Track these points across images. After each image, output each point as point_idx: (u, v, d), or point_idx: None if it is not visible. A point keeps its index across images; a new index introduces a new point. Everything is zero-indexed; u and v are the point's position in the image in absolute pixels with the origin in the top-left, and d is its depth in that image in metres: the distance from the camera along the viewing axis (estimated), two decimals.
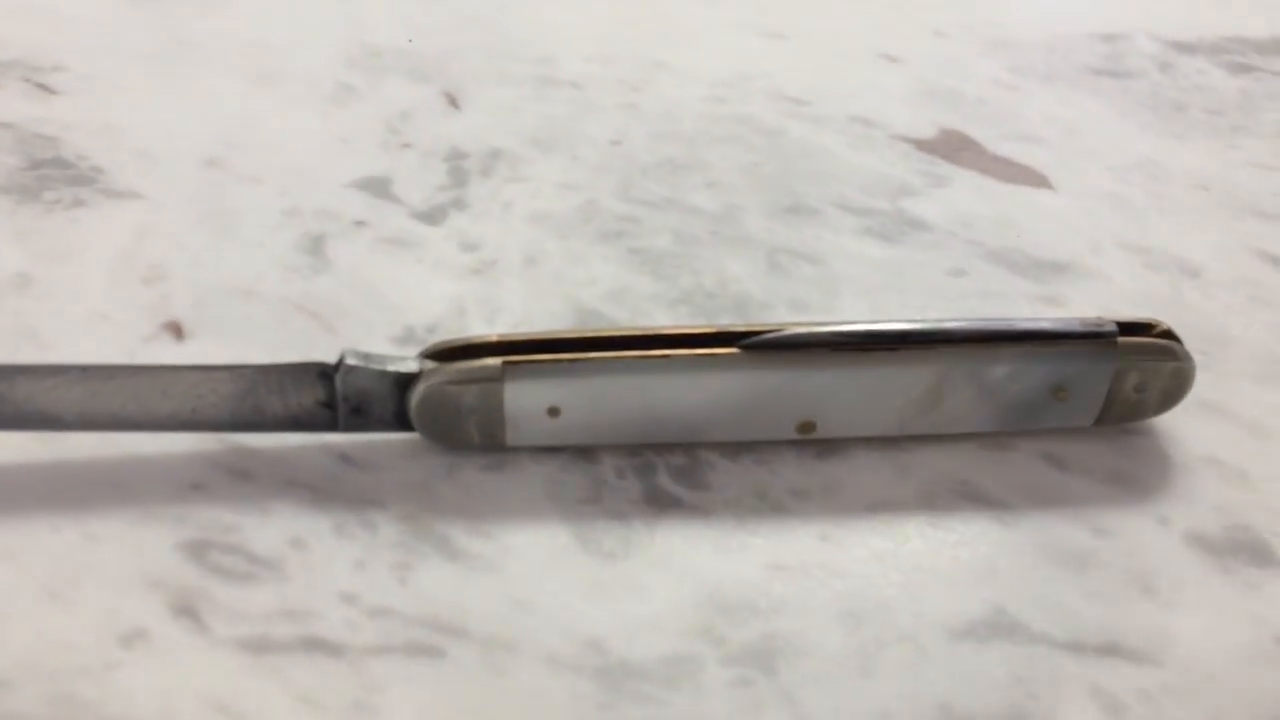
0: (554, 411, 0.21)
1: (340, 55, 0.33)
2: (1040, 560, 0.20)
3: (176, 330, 0.24)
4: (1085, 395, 0.21)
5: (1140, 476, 0.22)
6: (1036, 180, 0.30)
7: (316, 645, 0.18)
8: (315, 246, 0.26)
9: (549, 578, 0.20)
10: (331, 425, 0.21)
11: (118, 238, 0.26)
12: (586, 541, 0.20)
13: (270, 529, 0.20)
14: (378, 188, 0.28)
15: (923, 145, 0.31)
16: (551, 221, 0.27)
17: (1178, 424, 0.23)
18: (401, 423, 0.21)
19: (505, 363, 0.20)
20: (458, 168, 0.29)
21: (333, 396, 0.21)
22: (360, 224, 0.27)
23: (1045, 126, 0.32)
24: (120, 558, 0.20)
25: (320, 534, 0.20)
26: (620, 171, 0.29)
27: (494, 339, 0.21)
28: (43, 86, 0.31)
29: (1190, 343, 0.22)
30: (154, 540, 0.20)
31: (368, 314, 0.25)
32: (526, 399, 0.20)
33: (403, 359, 0.21)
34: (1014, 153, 0.31)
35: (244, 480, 0.21)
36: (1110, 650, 0.19)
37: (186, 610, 0.19)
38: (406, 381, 0.21)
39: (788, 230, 0.27)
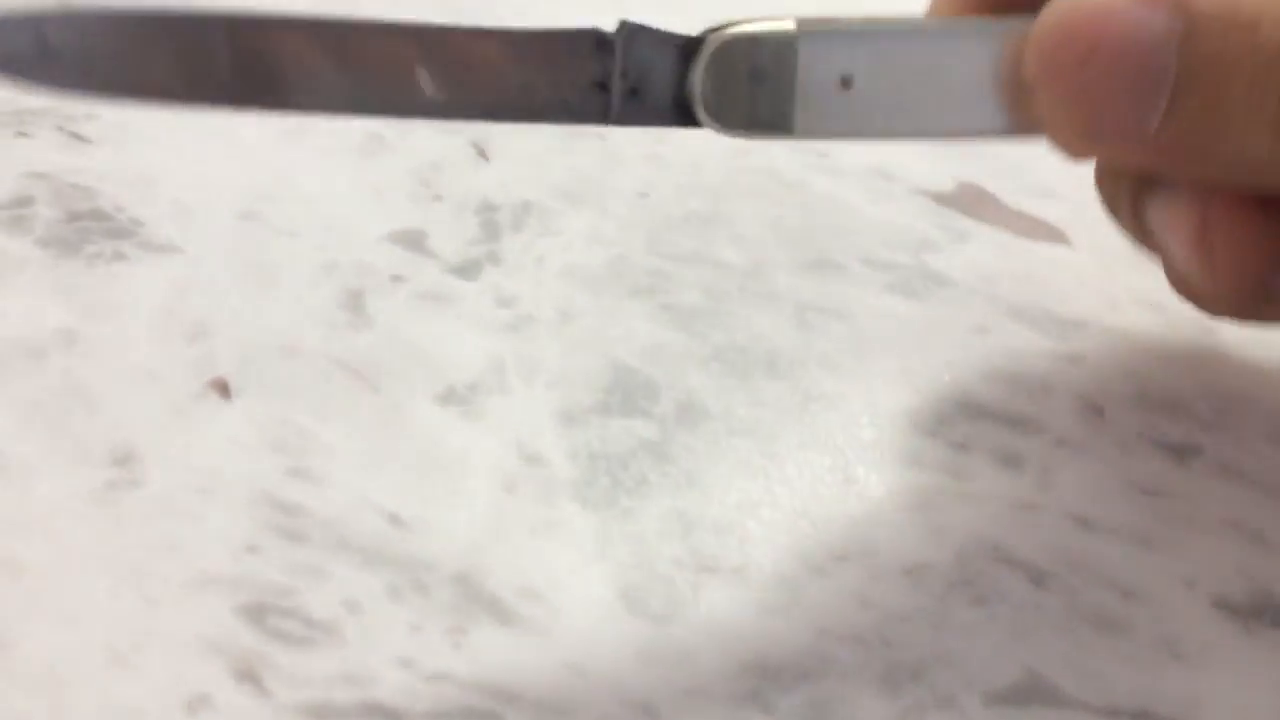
0: (846, 82, 0.19)
1: None
2: (1073, 623, 0.21)
3: (223, 388, 0.24)
4: None
5: (1165, 538, 0.22)
6: (1054, 235, 0.31)
7: (377, 710, 0.19)
8: (354, 302, 0.27)
9: (598, 641, 0.20)
10: (603, 113, 0.19)
11: (160, 292, 0.27)
12: (634, 604, 0.21)
13: (325, 591, 0.21)
14: (412, 241, 0.29)
15: (942, 199, 0.31)
16: (583, 276, 0.28)
17: (1199, 485, 0.23)
18: (679, 111, 0.19)
19: (799, 20, 0.19)
20: (489, 220, 0.30)
21: (608, 74, 0.19)
22: (397, 279, 0.28)
23: (1060, 180, 0.33)
24: (180, 621, 0.20)
25: (375, 596, 0.21)
26: (648, 225, 0.30)
27: (810, 23, 0.19)
28: (76, 135, 0.32)
29: (1208, 401, 0.22)
30: (212, 604, 0.20)
31: (410, 371, 0.25)
32: (820, 64, 0.19)
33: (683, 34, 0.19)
34: (1031, 207, 0.31)
35: (297, 542, 0.21)
36: (1143, 714, 0.19)
37: (248, 675, 0.19)
38: (692, 49, 0.19)
39: (814, 286, 0.28)
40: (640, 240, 0.29)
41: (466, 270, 0.28)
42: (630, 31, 0.18)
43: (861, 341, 0.27)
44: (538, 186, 0.31)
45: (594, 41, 0.19)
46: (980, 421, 0.25)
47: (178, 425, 0.24)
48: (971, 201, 0.31)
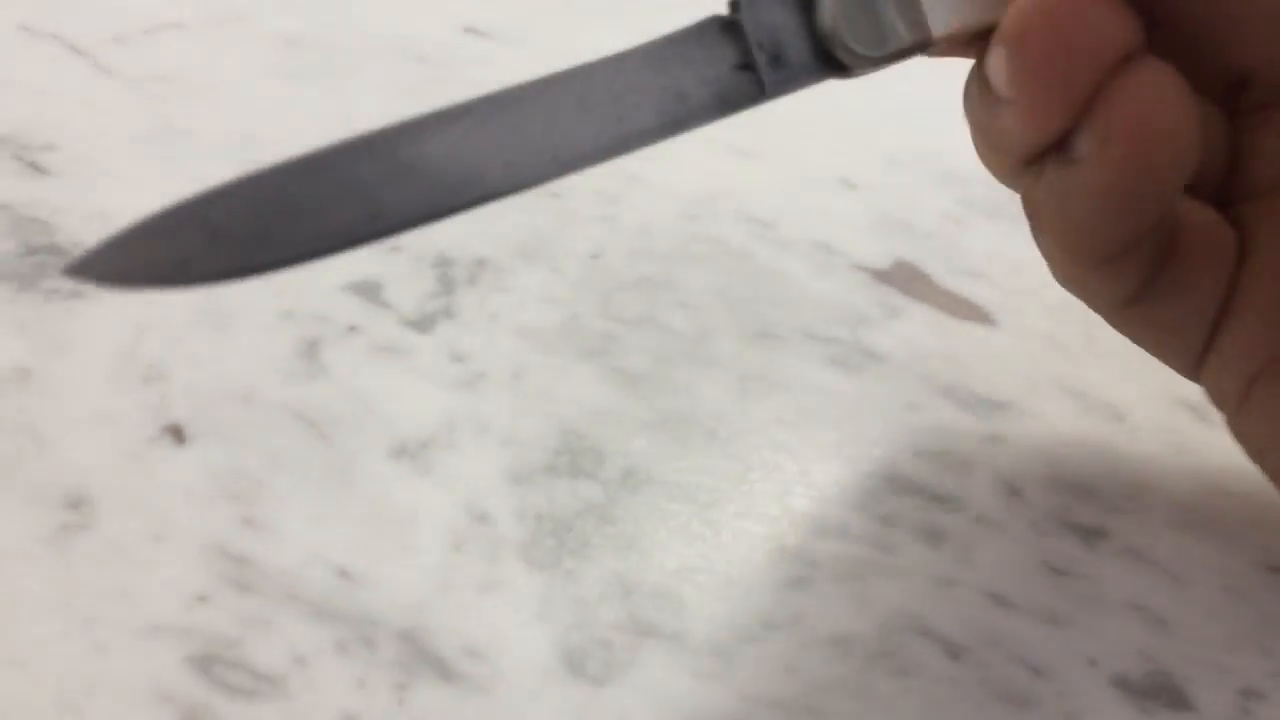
0: None
1: None
2: (984, 697, 0.22)
3: (177, 433, 0.25)
4: None
5: (1072, 617, 0.24)
6: (981, 316, 0.32)
7: None
8: (309, 351, 0.27)
9: (538, 700, 0.21)
10: (758, 91, 0.19)
11: (116, 332, 0.27)
12: (573, 665, 0.22)
13: (273, 644, 0.21)
14: (369, 292, 0.29)
15: (879, 275, 0.33)
16: (536, 335, 0.29)
17: (1106, 567, 0.25)
18: (824, 62, 0.19)
19: None
20: (445, 275, 0.30)
21: (746, 49, 0.19)
22: (353, 329, 0.28)
23: (990, 262, 0.34)
24: (130, 669, 0.21)
25: (322, 650, 0.21)
26: (599, 287, 0.31)
27: None
28: (34, 166, 0.32)
29: (1116, 486, 0.24)
30: (162, 652, 0.21)
31: (363, 424, 0.26)
32: None
33: None
34: (961, 287, 0.33)
35: (246, 593, 0.22)
36: None
37: None
38: None
39: (757, 356, 0.29)
40: (591, 302, 0.30)
41: (422, 324, 0.29)
42: (748, 4, 0.19)
43: (800, 413, 0.28)
44: (493, 242, 0.32)
45: (720, 27, 0.19)
46: (906, 497, 0.26)
47: (131, 469, 0.24)
48: (907, 279, 0.33)
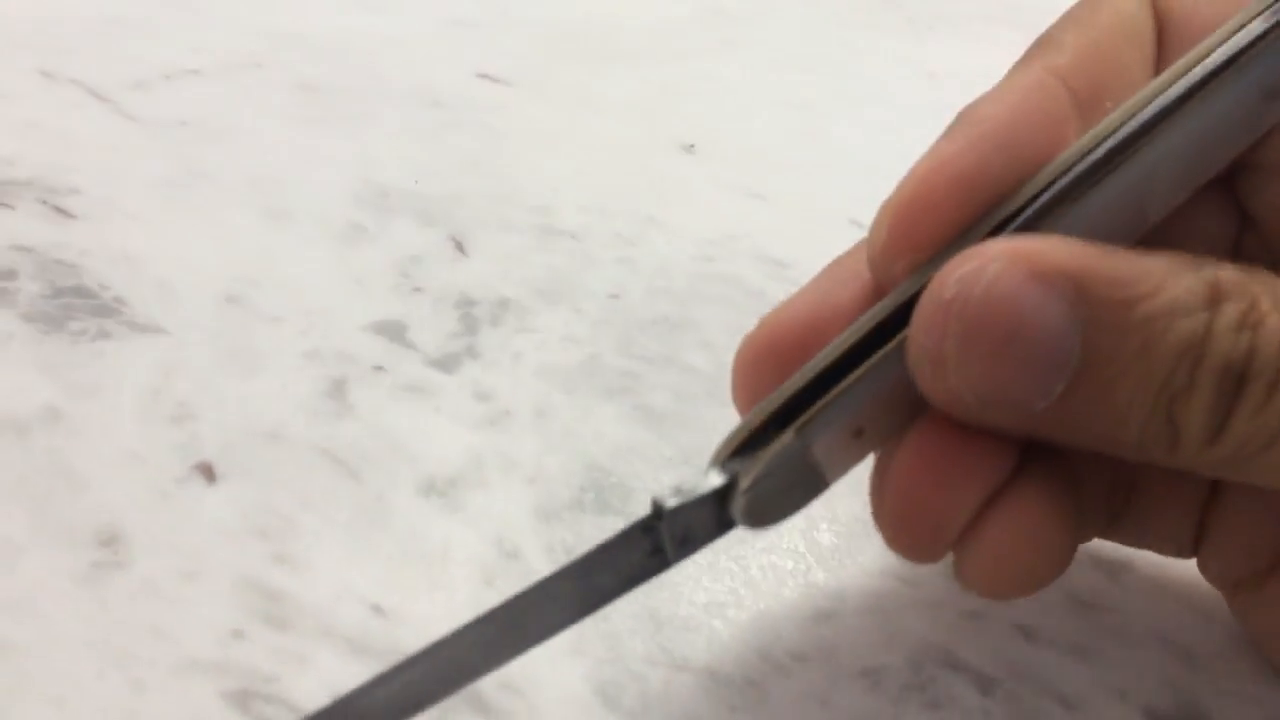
0: (859, 433, 0.21)
1: (349, 193, 0.35)
2: None
3: (208, 472, 0.25)
4: None
5: (1101, 650, 0.24)
6: None
7: None
8: (337, 390, 0.28)
9: None
10: (663, 566, 0.21)
11: (144, 373, 0.27)
12: (608, 699, 0.22)
13: (309, 679, 0.21)
14: (393, 332, 0.30)
15: None
16: (559, 374, 0.29)
17: (1134, 602, 0.25)
18: (723, 527, 0.21)
19: (796, 430, 0.20)
20: (468, 315, 0.31)
21: (659, 542, 0.21)
22: (379, 369, 0.29)
23: None
24: (167, 706, 0.21)
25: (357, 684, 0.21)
26: (620, 326, 0.31)
27: (774, 407, 0.21)
28: (60, 210, 0.32)
29: None
30: (198, 688, 0.21)
31: (392, 463, 0.26)
32: (831, 442, 0.20)
33: (702, 477, 0.21)
34: None
35: (281, 629, 0.22)
36: None
37: None
38: (724, 494, 0.21)
39: None
40: (612, 341, 0.31)
41: (446, 364, 0.29)
42: (670, 514, 0.21)
43: None
44: (515, 283, 0.32)
45: (641, 530, 0.21)
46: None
47: (163, 508, 0.24)
48: None
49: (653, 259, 0.34)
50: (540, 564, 0.24)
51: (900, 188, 0.20)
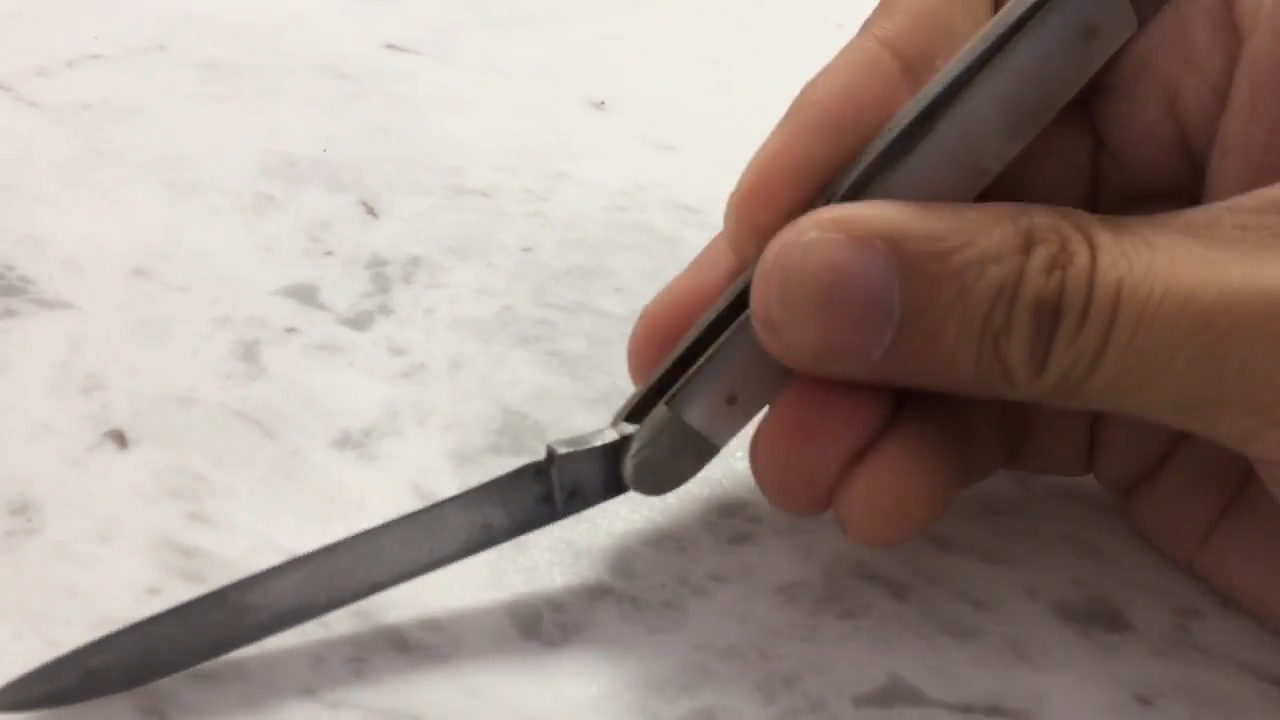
0: (731, 399, 0.22)
1: (256, 165, 0.35)
2: (930, 631, 0.23)
3: (120, 439, 0.25)
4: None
5: (1011, 553, 0.25)
6: None
7: None
8: (248, 353, 0.28)
9: (496, 665, 0.21)
10: (551, 516, 0.22)
11: (53, 348, 0.27)
12: (528, 629, 0.22)
13: None
14: (305, 295, 0.30)
15: None
16: (473, 326, 0.29)
17: (1042, 507, 0.26)
18: (614, 489, 0.22)
19: (666, 403, 0.22)
20: (380, 274, 0.31)
21: (550, 490, 0.22)
22: (291, 330, 0.29)
23: None
24: None
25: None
26: (533, 278, 0.31)
27: (653, 381, 0.22)
28: None
29: None
30: None
31: (306, 419, 0.26)
32: (706, 410, 0.22)
33: (599, 432, 0.22)
34: None
35: (198, 584, 0.22)
36: (995, 710, 0.21)
37: (155, 711, 0.20)
38: (614, 452, 0.22)
39: None
40: (525, 292, 0.31)
41: (359, 321, 0.29)
42: (560, 459, 0.22)
43: None
44: (426, 242, 0.32)
45: (533, 473, 0.22)
46: None
47: (75, 475, 0.24)
48: None
49: (564, 212, 0.34)
50: None
51: (742, 178, 0.22)
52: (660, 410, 0.22)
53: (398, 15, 0.45)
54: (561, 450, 0.22)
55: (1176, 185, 0.22)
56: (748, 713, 0.21)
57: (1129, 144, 0.22)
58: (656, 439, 0.22)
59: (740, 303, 0.21)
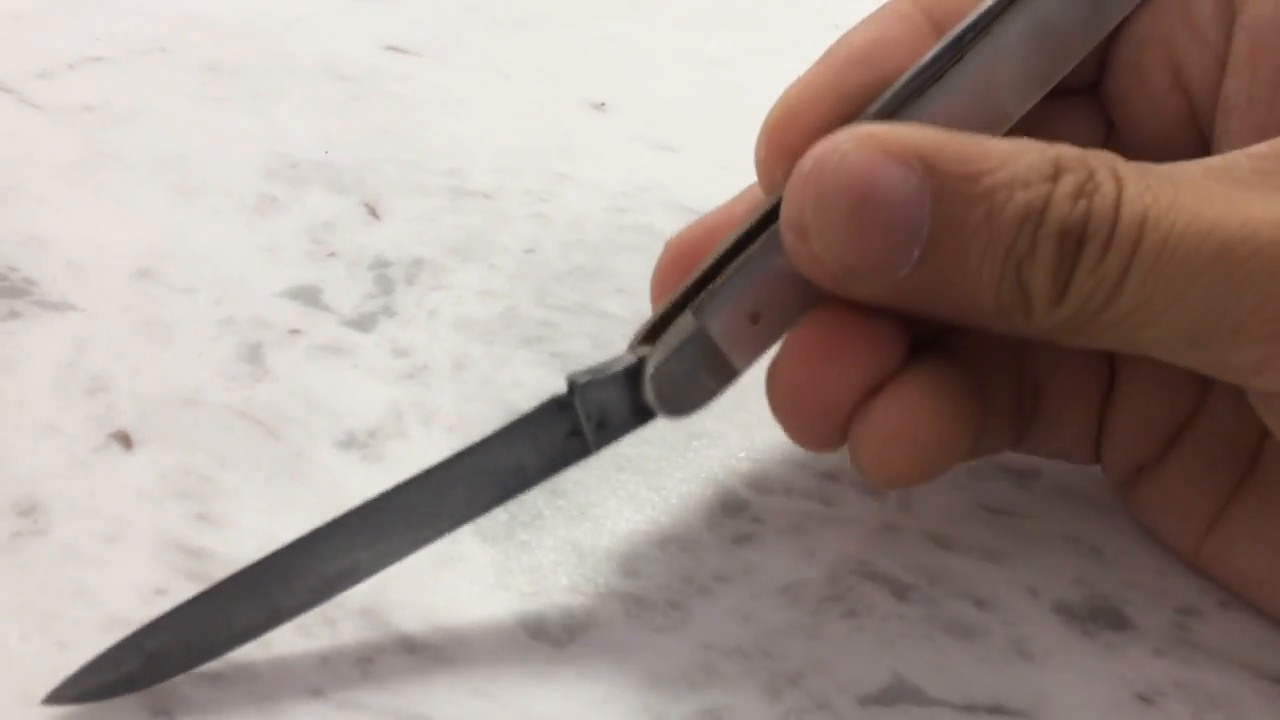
0: (755, 318, 0.22)
1: (258, 166, 0.35)
2: (933, 631, 0.23)
3: (125, 440, 0.25)
4: None
5: (1013, 553, 0.25)
6: None
7: None
8: (253, 355, 0.28)
9: (502, 665, 0.21)
10: (585, 449, 0.22)
11: (57, 350, 0.27)
12: (533, 629, 0.22)
13: None
14: (308, 296, 0.30)
15: None
16: (476, 327, 0.30)
17: (1043, 506, 0.26)
18: (640, 415, 0.22)
19: (692, 310, 0.21)
20: (383, 276, 0.31)
21: (577, 422, 0.22)
22: (295, 332, 0.29)
23: None
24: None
25: (284, 633, 0.22)
26: (535, 279, 0.32)
27: (677, 295, 0.22)
28: None
29: None
30: None
31: (310, 420, 0.26)
32: (729, 325, 0.22)
33: (618, 358, 0.22)
34: None
35: (205, 583, 0.22)
36: (997, 709, 0.22)
37: (163, 712, 0.20)
38: (634, 374, 0.22)
39: None
40: (528, 293, 0.31)
41: (362, 323, 0.29)
42: (580, 387, 0.22)
43: (738, 384, 0.29)
44: (429, 243, 0.32)
45: (557, 406, 0.22)
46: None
47: (81, 476, 0.24)
48: None
49: (566, 213, 0.34)
50: None
51: (772, 109, 0.22)
52: (685, 318, 0.21)
53: (398, 17, 0.45)
54: (583, 379, 0.22)
55: None
56: (753, 712, 0.21)
57: (1139, 122, 0.23)
58: (680, 350, 0.22)
59: (768, 220, 0.21)
